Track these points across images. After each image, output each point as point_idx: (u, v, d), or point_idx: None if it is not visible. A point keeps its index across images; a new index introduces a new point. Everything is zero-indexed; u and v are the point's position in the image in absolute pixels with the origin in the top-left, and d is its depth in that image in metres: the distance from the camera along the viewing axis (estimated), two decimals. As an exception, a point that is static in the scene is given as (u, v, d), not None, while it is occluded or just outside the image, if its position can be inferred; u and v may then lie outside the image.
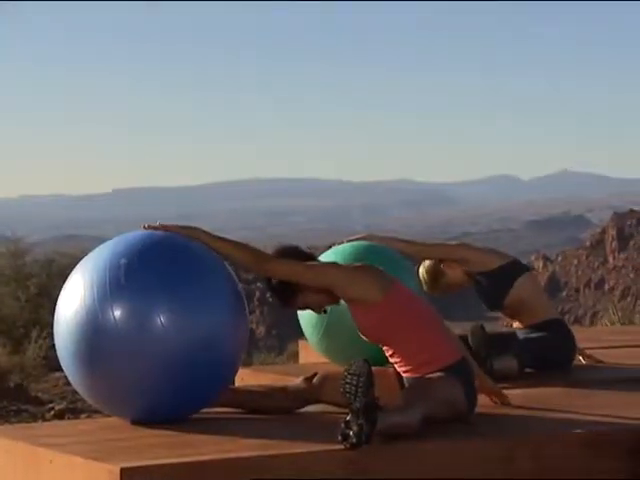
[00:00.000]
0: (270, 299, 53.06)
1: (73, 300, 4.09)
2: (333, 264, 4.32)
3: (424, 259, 5.72)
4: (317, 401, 4.40)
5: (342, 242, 5.44)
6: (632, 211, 79.38)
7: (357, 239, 5.48)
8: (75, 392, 8.59)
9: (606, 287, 73.56)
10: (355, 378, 3.68)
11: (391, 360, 4.23)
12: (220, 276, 4.20)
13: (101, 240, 4.68)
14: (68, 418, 8.61)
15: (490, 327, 5.49)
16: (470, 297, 6.26)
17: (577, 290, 75.45)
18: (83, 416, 8.54)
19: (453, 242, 5.97)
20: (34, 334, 11.35)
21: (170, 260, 4.11)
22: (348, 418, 3.64)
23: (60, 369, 4.48)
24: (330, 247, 5.48)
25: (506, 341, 5.36)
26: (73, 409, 8.97)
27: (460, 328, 5.83)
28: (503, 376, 5.15)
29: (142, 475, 3.42)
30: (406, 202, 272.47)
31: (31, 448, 3.90)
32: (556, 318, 5.78)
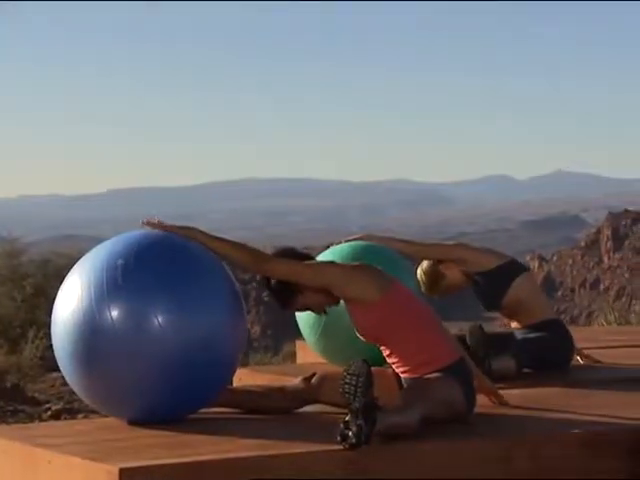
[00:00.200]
0: (266, 299, 53.09)
1: (70, 300, 4.08)
2: (332, 263, 4.31)
3: (422, 259, 5.72)
4: (315, 401, 4.39)
5: (340, 242, 5.44)
6: (627, 211, 79.44)
7: (355, 239, 5.47)
8: (72, 392, 8.58)
9: (601, 287, 73.63)
10: (354, 378, 3.68)
11: (389, 360, 4.22)
12: (218, 276, 4.19)
13: (98, 240, 4.68)
14: (65, 418, 8.59)
15: (487, 327, 5.49)
16: (468, 297, 6.25)
17: (572, 290, 75.50)
18: (80, 416, 8.52)
19: (451, 242, 5.97)
20: (31, 334, 11.34)
21: (168, 260, 4.10)
22: (347, 418, 3.63)
23: (57, 369, 4.48)
24: (328, 247, 5.48)
25: (504, 341, 5.36)
26: (70, 409, 8.95)
27: (457, 328, 5.83)
28: (501, 376, 5.16)
29: (141, 475, 3.42)
30: (403, 202, 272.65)
31: (29, 449, 3.90)
32: (554, 318, 5.79)
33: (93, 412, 7.47)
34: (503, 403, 4.50)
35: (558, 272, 77.36)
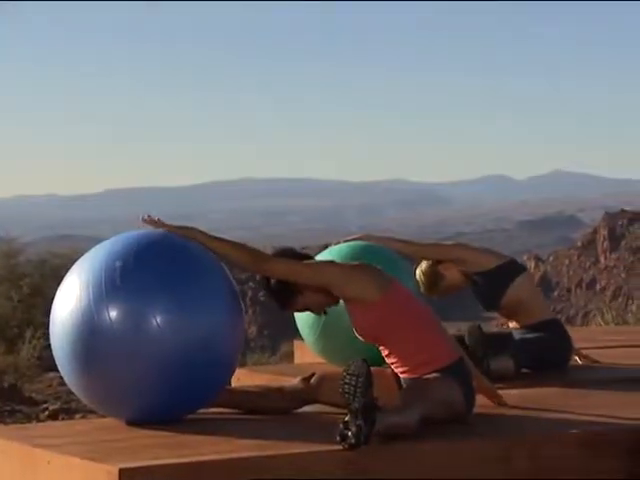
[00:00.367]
0: (262, 299, 53.07)
1: (69, 300, 4.08)
2: (331, 262, 4.30)
3: (421, 259, 5.71)
4: (314, 401, 4.39)
5: (339, 242, 5.44)
6: (623, 211, 79.48)
7: (354, 239, 5.47)
8: (69, 392, 8.58)
9: (597, 287, 73.66)
10: (354, 378, 3.68)
11: (388, 360, 4.22)
12: (217, 276, 4.19)
13: (95, 240, 4.68)
14: (62, 418, 8.59)
15: (485, 328, 5.49)
16: (466, 297, 6.25)
17: (569, 290, 75.52)
18: (77, 416, 8.52)
19: (450, 242, 5.97)
20: (28, 334, 11.33)
21: (166, 260, 4.10)
22: (347, 418, 3.63)
23: (54, 369, 4.48)
24: (326, 247, 5.48)
25: (503, 341, 5.36)
26: (67, 409, 8.95)
27: (454, 328, 5.83)
28: (500, 376, 5.16)
29: (141, 475, 3.42)
30: (401, 202, 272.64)
31: (28, 449, 3.89)
32: (553, 318, 5.79)
33: (91, 412, 7.47)
34: (502, 403, 4.49)
35: (554, 272, 77.41)
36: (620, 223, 76.92)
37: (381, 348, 4.21)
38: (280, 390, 4.41)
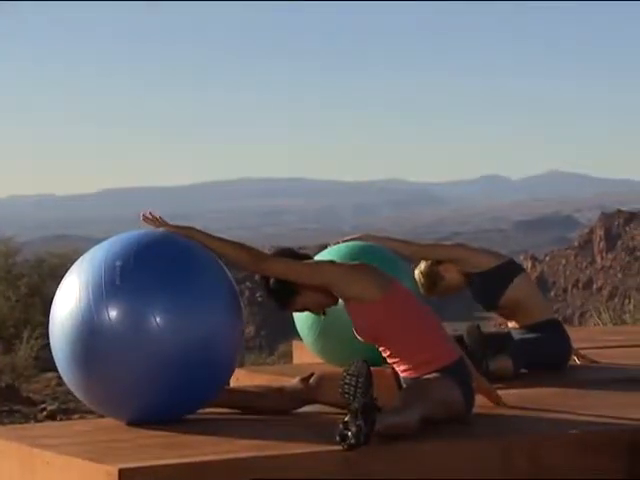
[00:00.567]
0: (260, 299, 53.03)
1: (68, 301, 4.07)
2: (331, 262, 4.29)
3: (420, 259, 5.70)
4: (314, 401, 4.39)
5: (338, 242, 5.44)
6: (620, 211, 79.57)
7: (353, 239, 5.47)
8: (67, 393, 8.58)
9: (594, 287, 73.72)
10: (354, 379, 3.68)
11: (388, 360, 4.21)
12: (216, 276, 4.18)
13: (90, 240, 4.68)
14: (60, 419, 8.58)
15: (483, 328, 5.49)
16: (465, 297, 6.24)
17: (565, 290, 75.58)
18: (75, 417, 8.51)
19: (448, 242, 5.97)
20: (25, 334, 11.32)
21: (166, 260, 4.09)
22: (346, 419, 3.63)
23: (51, 369, 4.48)
24: (324, 247, 5.47)
25: (502, 341, 5.36)
26: (65, 409, 8.94)
27: (452, 329, 5.82)
28: (499, 376, 5.16)
29: (141, 476, 3.41)
30: (396, 202, 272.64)
31: (27, 449, 3.89)
32: (552, 319, 5.78)
33: (89, 412, 7.46)
34: (501, 403, 4.49)
35: (551, 272, 77.47)
36: (616, 223, 77.01)
37: (381, 348, 4.20)
38: (279, 390, 4.41)
